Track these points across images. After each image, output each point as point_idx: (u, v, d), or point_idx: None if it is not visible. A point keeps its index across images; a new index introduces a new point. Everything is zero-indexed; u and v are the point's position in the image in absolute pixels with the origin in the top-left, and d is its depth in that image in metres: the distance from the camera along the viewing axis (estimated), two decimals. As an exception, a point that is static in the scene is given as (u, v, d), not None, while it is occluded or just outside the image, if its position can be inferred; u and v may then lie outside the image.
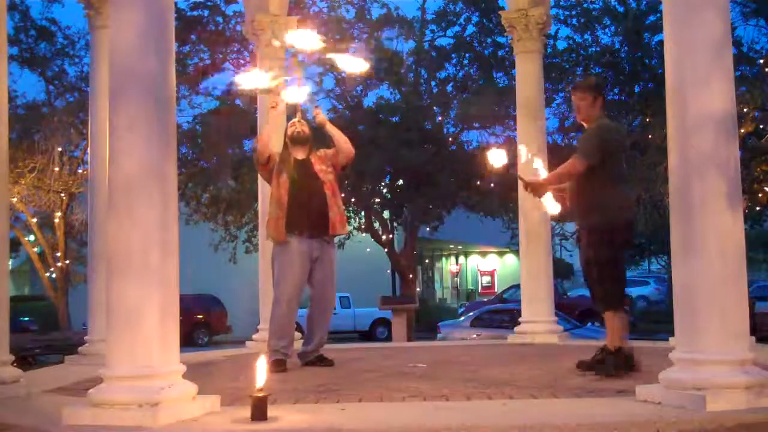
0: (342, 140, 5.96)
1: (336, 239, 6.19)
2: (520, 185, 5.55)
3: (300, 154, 5.88)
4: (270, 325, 5.83)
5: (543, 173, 5.49)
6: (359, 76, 5.75)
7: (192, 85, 19.38)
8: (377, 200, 20.27)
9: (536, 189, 5.23)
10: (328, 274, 5.86)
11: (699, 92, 3.79)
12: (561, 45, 20.71)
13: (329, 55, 6.14)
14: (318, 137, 6.11)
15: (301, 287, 5.84)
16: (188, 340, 21.13)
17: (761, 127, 15.17)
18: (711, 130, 3.75)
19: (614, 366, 4.92)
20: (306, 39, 5.69)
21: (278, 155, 5.99)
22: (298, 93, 5.97)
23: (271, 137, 6.10)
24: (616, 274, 5.16)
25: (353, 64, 5.94)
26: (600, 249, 5.08)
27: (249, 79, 6.27)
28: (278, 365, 5.52)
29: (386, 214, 21.10)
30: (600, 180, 5.09)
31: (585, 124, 5.40)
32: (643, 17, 19.87)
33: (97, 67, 7.08)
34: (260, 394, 3.53)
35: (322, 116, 6.04)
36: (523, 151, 5.39)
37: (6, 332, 4.94)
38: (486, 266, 37.85)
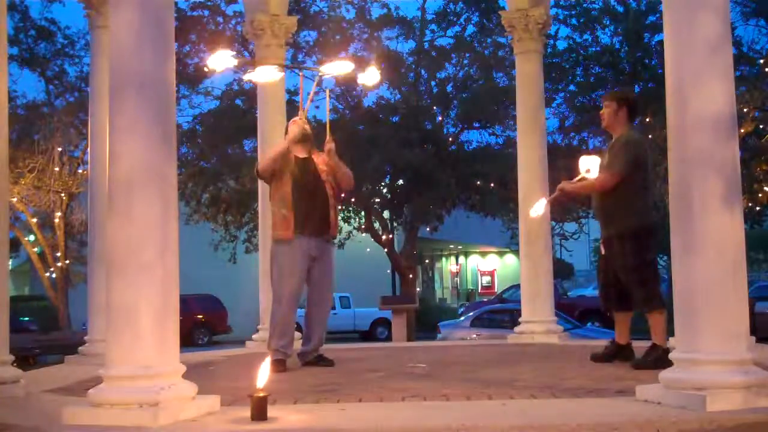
0: (343, 172, 5.93)
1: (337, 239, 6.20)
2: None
3: (302, 153, 5.89)
4: (270, 325, 5.82)
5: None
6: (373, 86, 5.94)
7: (192, 85, 19.40)
8: (377, 200, 20.27)
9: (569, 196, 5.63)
10: (326, 273, 5.86)
11: (699, 92, 3.79)
12: (561, 45, 20.75)
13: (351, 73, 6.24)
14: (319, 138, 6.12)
15: (301, 286, 5.84)
16: (188, 340, 21.14)
17: (761, 127, 15.18)
18: (711, 130, 3.75)
19: (654, 361, 5.06)
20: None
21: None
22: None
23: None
24: (653, 274, 5.43)
25: (369, 76, 6.05)
26: (638, 254, 5.31)
27: (217, 60, 6.15)
28: (278, 365, 5.48)
29: (386, 214, 21.10)
30: (631, 188, 5.34)
31: (611, 132, 5.62)
32: (643, 17, 19.88)
33: (97, 67, 7.08)
34: (260, 394, 3.53)
35: (331, 146, 5.93)
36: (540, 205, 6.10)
37: (6, 332, 4.93)
38: (486, 266, 37.89)
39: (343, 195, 6.04)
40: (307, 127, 5.91)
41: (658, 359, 5.06)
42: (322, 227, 5.77)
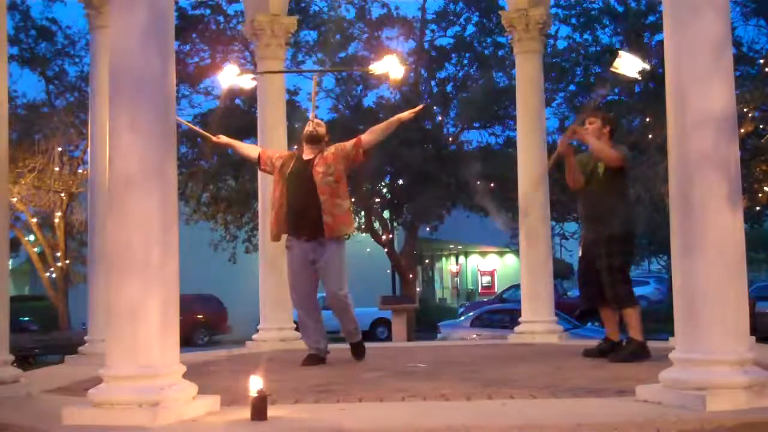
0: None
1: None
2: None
3: (308, 154, 5.96)
4: None
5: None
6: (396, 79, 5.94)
7: (192, 85, 19.39)
8: (377, 200, 20.26)
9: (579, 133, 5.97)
10: (328, 274, 5.89)
11: (699, 92, 3.79)
12: (561, 45, 20.74)
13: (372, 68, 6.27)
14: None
15: (305, 288, 5.97)
16: (188, 340, 21.10)
17: (761, 127, 15.18)
18: (711, 130, 3.75)
19: (631, 353, 5.60)
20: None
21: (277, 157, 6.12)
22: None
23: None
24: (628, 274, 5.89)
25: (392, 68, 6.05)
26: (622, 255, 5.81)
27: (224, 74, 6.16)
28: (307, 360, 5.92)
29: (386, 214, 21.09)
30: (618, 194, 5.88)
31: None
32: (643, 17, 19.86)
33: (97, 67, 7.07)
34: (260, 394, 3.53)
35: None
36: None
37: (6, 332, 4.93)
38: (486, 266, 37.83)
39: (366, 153, 6.09)
40: (319, 129, 6.01)
41: (634, 352, 5.61)
42: (314, 231, 5.80)
